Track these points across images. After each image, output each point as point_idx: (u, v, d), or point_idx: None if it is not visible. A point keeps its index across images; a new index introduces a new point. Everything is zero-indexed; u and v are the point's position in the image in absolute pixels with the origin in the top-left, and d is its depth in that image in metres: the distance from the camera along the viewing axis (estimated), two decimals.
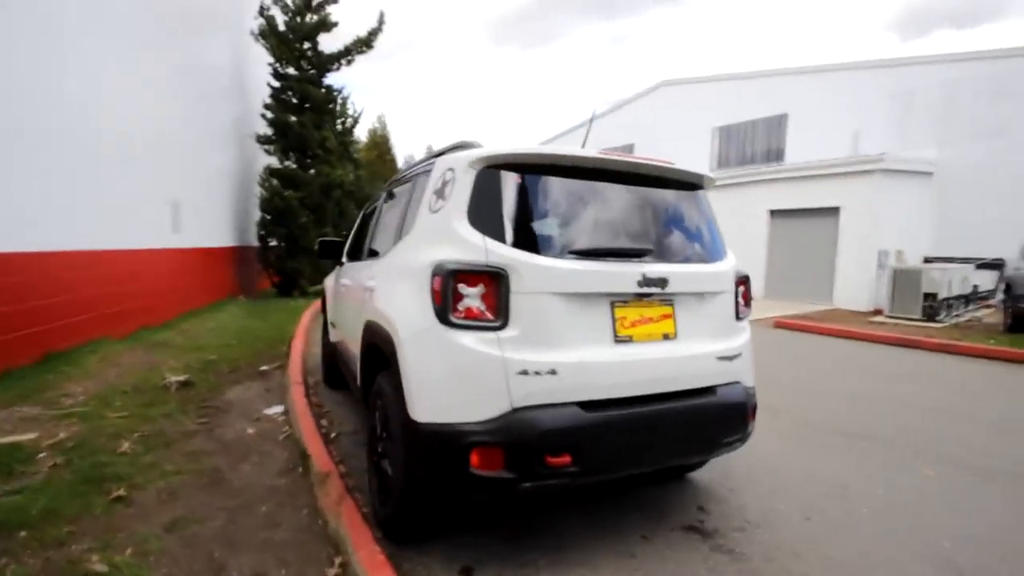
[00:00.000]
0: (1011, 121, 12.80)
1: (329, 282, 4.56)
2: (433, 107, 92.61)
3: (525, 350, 1.90)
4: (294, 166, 11.08)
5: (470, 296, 1.92)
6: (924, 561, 2.30)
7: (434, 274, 1.98)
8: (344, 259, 4.08)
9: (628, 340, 2.10)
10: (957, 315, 10.24)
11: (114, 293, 6.08)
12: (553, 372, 1.91)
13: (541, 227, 2.06)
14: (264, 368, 5.32)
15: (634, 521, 2.60)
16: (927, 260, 12.04)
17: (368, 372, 2.67)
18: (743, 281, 2.52)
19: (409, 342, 2.02)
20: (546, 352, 1.92)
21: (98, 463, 2.83)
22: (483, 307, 1.92)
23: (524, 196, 2.08)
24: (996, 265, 11.05)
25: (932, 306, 9.70)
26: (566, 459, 1.88)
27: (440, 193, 2.23)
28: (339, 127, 12.03)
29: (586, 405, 1.96)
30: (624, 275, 2.08)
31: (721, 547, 2.39)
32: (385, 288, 2.44)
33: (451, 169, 2.21)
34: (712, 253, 2.44)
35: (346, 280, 3.66)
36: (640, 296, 2.14)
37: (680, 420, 2.16)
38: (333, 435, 3.61)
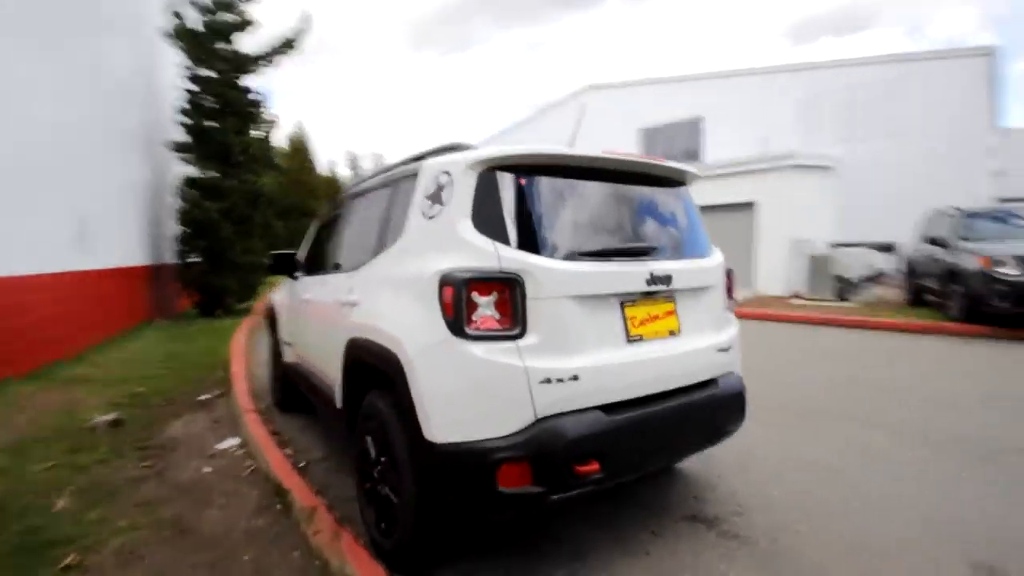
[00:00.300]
0: (900, 121, 14.43)
1: (280, 298, 4.23)
2: (351, 113, 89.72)
3: (546, 357, 1.83)
4: (215, 175, 10.23)
5: (484, 305, 1.82)
6: (915, 526, 2.48)
7: (443, 284, 1.86)
8: (299, 273, 3.79)
9: (639, 339, 2.08)
10: (863, 294, 11.34)
11: (7, 327, 5.27)
12: (575, 378, 1.85)
13: (548, 230, 1.99)
14: (204, 397, 4.84)
15: (639, 518, 2.61)
16: (833, 246, 13.24)
17: (353, 392, 2.48)
18: (728, 274, 2.60)
19: (420, 358, 1.87)
20: (567, 358, 1.86)
21: (33, 527, 2.41)
22: (499, 316, 1.83)
23: (528, 198, 2.00)
24: (889, 248, 12.42)
25: (843, 287, 10.71)
26: (594, 466, 1.82)
27: (436, 198, 2.10)
28: (261, 132, 11.25)
29: (607, 408, 1.92)
30: (633, 274, 2.07)
31: (726, 533, 2.45)
32: (375, 301, 2.27)
33: (446, 172, 2.09)
34: (703, 248, 2.49)
35: (307, 295, 3.39)
36: (647, 295, 2.13)
37: (692, 414, 2.18)
38: (303, 464, 3.33)
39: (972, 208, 8.53)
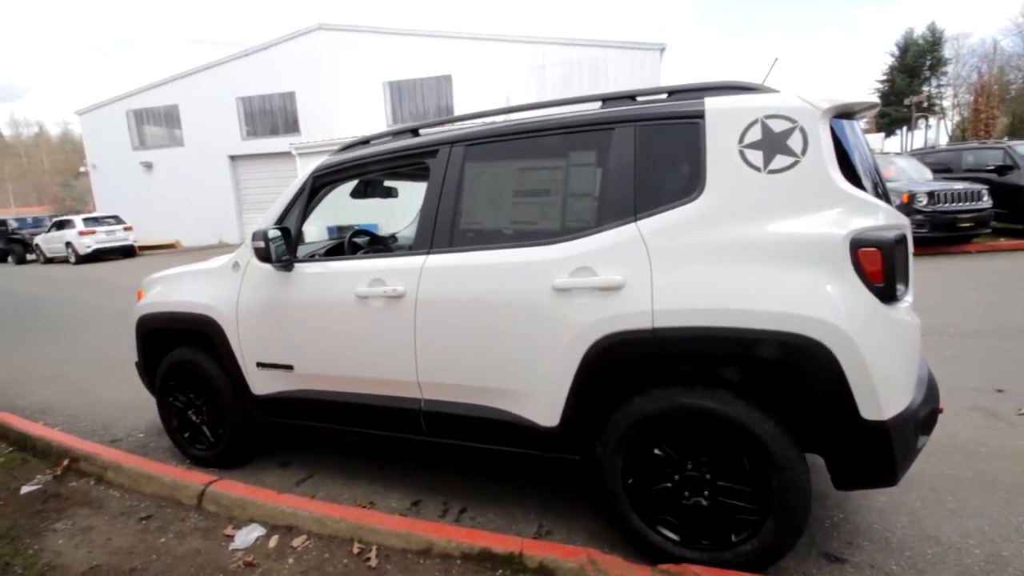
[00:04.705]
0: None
1: (250, 298, 2.64)
2: None
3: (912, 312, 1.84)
4: None
5: (900, 264, 1.69)
6: None
7: (864, 245, 1.62)
8: (287, 256, 2.47)
9: None
10: None
11: None
12: None
13: (867, 179, 1.92)
14: (30, 488, 2.75)
15: None
16: None
17: (594, 407, 1.92)
18: None
19: (857, 333, 1.60)
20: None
21: None
22: (902, 275, 1.74)
23: (849, 147, 1.87)
24: None
25: None
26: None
27: (774, 146, 1.74)
28: None
29: None
30: None
31: None
32: (700, 275, 1.73)
33: (783, 117, 1.75)
34: None
35: (365, 288, 2.27)
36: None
37: None
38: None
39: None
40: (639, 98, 2.05)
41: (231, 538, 2.23)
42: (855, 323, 1.62)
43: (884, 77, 42.01)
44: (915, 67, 39.96)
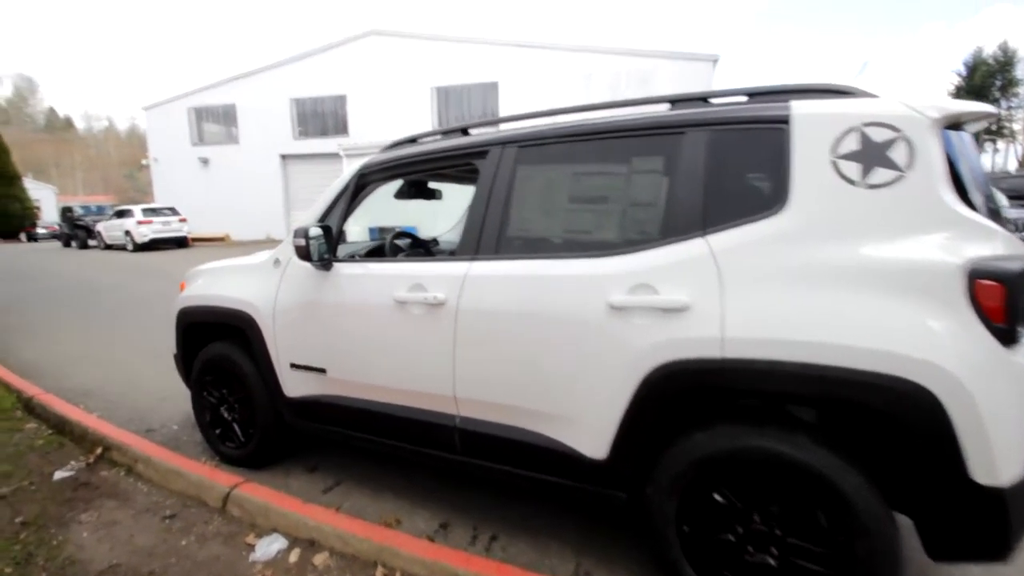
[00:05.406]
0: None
1: (288, 296, 2.59)
2: None
3: None
4: None
5: (1020, 301, 1.43)
6: None
7: (984, 277, 1.38)
8: (328, 255, 2.38)
9: None
10: None
11: None
12: None
13: (981, 200, 1.66)
14: (65, 474, 2.76)
15: None
16: None
17: (651, 433, 1.72)
18: None
19: (973, 380, 1.36)
20: None
21: None
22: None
23: (960, 162, 1.62)
24: None
25: None
26: None
27: (875, 159, 1.53)
28: None
29: None
30: None
31: None
32: (793, 301, 1.51)
33: (887, 126, 1.53)
34: None
35: (404, 293, 2.16)
36: None
37: None
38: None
39: None
40: (712, 100, 1.86)
41: (252, 547, 2.13)
42: (969, 368, 1.37)
43: (950, 97, 39.83)
44: (983, 87, 37.71)
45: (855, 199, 1.55)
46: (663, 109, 1.92)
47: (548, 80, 18.11)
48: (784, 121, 1.65)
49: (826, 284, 1.52)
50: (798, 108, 1.65)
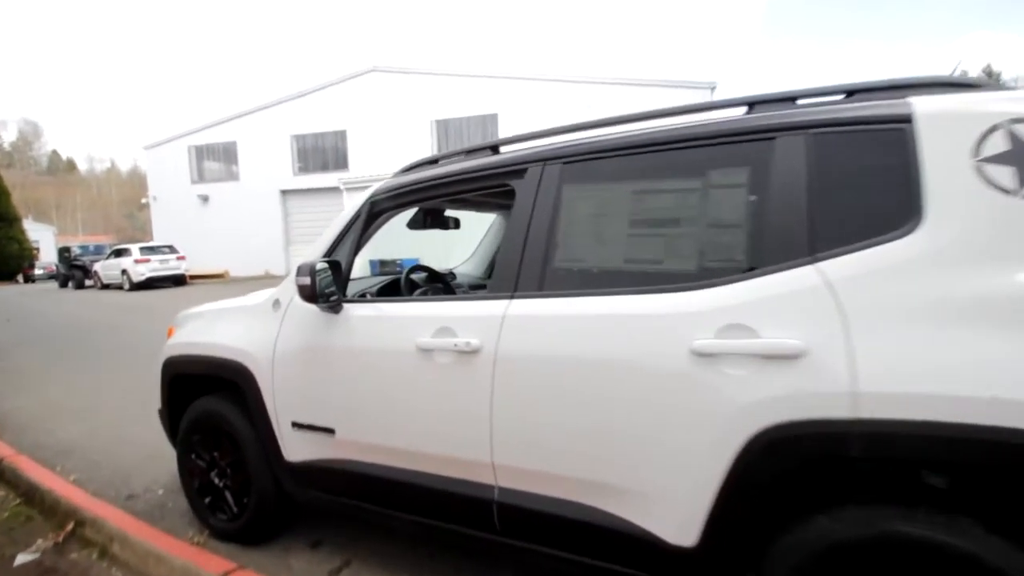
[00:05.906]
0: None
1: (289, 343, 2.22)
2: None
3: None
4: None
5: None
6: None
7: None
8: (336, 295, 2.04)
9: None
10: None
11: None
12: None
13: None
14: (27, 558, 2.34)
15: None
16: None
17: (758, 514, 1.34)
18: None
19: None
20: None
21: None
22: None
23: None
24: None
25: None
26: None
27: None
28: None
29: None
30: None
31: None
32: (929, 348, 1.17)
33: None
34: None
35: (429, 339, 1.81)
36: None
37: None
38: None
39: None
40: (800, 100, 1.56)
41: None
42: None
43: None
44: None
45: (1012, 211, 1.22)
46: (739, 113, 1.61)
47: (547, 110, 18.17)
48: (906, 120, 1.34)
49: (984, 320, 1.17)
50: (922, 104, 1.34)
